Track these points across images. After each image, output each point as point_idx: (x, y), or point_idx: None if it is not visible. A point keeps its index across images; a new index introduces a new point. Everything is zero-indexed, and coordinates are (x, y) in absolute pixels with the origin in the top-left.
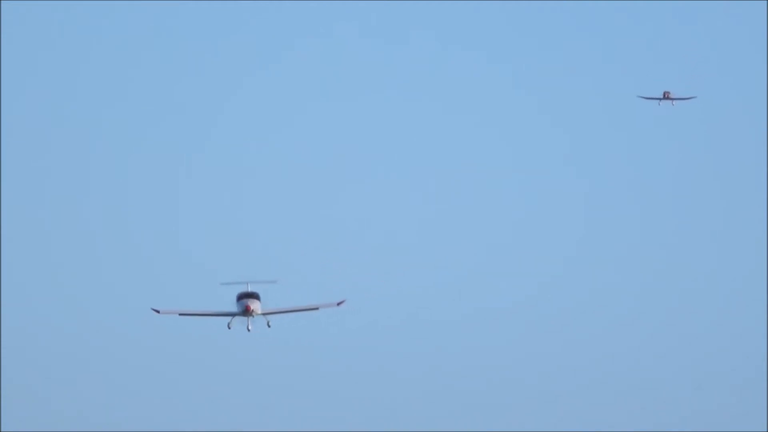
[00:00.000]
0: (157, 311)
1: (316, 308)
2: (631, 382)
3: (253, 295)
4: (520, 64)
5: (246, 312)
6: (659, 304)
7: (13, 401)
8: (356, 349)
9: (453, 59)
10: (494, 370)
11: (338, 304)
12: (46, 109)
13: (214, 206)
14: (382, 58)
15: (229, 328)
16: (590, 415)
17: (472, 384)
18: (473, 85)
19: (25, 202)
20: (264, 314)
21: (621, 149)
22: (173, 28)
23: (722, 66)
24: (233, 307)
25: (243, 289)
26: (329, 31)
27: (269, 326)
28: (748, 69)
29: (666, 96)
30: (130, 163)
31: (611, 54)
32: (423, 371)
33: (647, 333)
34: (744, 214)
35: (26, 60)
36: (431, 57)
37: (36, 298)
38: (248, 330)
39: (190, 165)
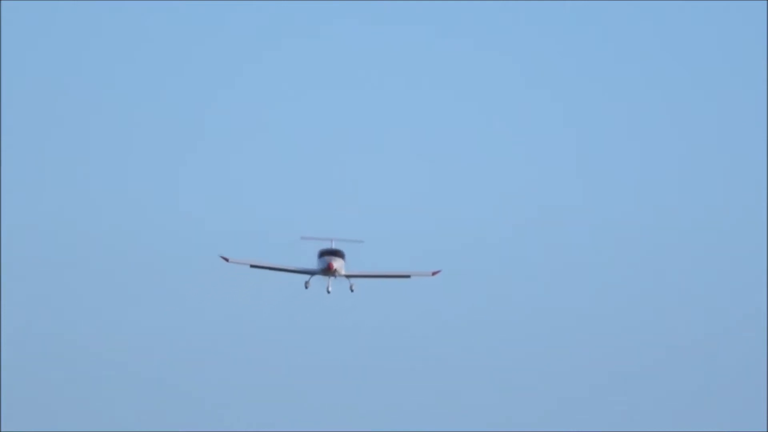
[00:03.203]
0: (226, 259)
1: (408, 276)
2: (631, 382)
3: (338, 253)
4: (521, 56)
5: (328, 271)
6: (661, 303)
7: (13, 401)
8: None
9: (452, 52)
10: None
11: (433, 273)
12: (45, 92)
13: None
14: (381, 51)
15: (307, 287)
16: (589, 414)
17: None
18: (473, 78)
19: (24, 197)
20: (348, 276)
21: (622, 148)
22: (176, 21)
23: (722, 66)
24: (313, 264)
25: (326, 245)
26: (329, 25)
27: (352, 290)
28: (748, 69)
29: None
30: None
31: (612, 53)
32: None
33: (648, 332)
34: (745, 213)
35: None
36: (431, 49)
37: (36, 296)
38: (328, 292)
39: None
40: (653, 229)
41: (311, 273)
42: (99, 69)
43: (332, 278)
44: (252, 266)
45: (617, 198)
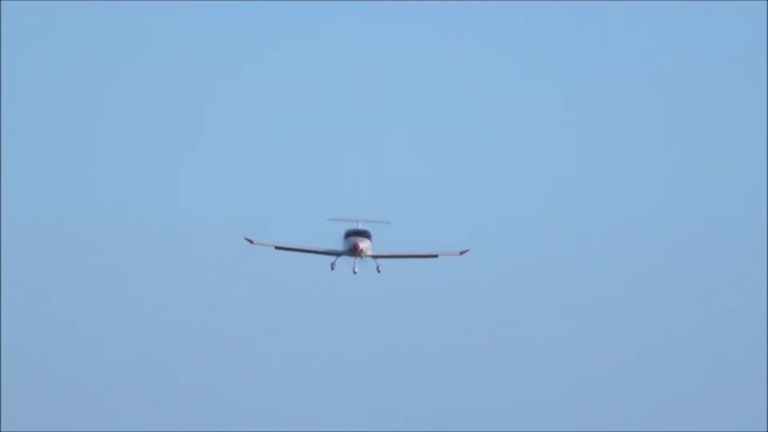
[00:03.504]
0: (251, 241)
1: (436, 256)
2: (631, 382)
3: (364, 234)
4: (521, 56)
5: (354, 251)
6: (660, 303)
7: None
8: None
9: (452, 52)
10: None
11: (461, 253)
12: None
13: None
14: (381, 51)
15: (333, 269)
16: (589, 414)
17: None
18: (473, 78)
19: (24, 197)
20: (374, 257)
21: (622, 147)
22: (176, 21)
23: (722, 66)
24: (339, 245)
25: (353, 226)
26: (329, 25)
27: (379, 271)
28: (748, 69)
29: None
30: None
31: (612, 53)
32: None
33: (648, 332)
34: (745, 213)
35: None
36: (431, 49)
37: (36, 295)
38: (354, 272)
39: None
40: (653, 229)
41: (337, 254)
42: (99, 69)
43: (358, 259)
44: (277, 248)
45: (617, 198)
